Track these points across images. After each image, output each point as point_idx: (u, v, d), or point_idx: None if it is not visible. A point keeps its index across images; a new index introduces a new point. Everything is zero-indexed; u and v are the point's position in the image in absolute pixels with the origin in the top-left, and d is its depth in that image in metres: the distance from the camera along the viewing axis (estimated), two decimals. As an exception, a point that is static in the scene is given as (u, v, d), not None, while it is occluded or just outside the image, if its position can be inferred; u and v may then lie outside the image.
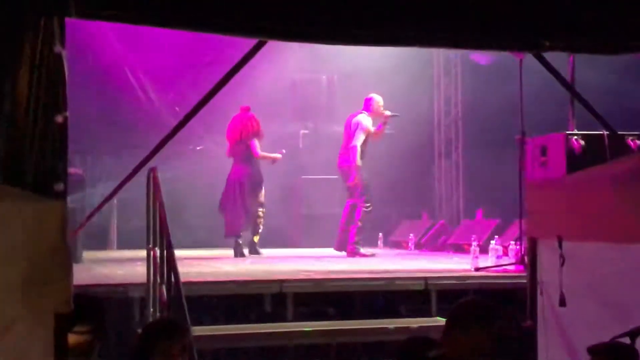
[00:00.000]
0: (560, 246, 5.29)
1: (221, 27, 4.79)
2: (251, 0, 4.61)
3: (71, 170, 4.88)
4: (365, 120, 10.89)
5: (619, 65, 9.76)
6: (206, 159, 13.92)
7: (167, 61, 13.99)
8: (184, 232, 12.19)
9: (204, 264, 9.70)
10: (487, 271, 8.30)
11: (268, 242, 11.62)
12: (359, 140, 10.77)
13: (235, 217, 11.11)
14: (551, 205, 5.50)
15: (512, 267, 8.35)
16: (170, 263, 6.21)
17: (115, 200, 10.53)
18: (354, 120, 10.93)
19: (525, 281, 6.32)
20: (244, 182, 11.10)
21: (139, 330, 5.87)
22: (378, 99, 11.07)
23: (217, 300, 7.28)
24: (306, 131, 14.47)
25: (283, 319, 7.20)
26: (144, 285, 6.71)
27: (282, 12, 4.69)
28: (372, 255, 10.93)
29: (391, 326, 7.00)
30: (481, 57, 12.97)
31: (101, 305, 4.69)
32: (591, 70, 9.21)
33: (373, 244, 12.72)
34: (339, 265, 9.46)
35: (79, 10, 4.07)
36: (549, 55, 5.76)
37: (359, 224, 10.83)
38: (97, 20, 4.42)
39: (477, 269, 8.39)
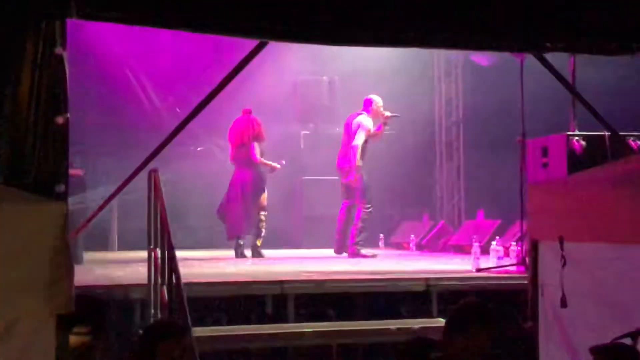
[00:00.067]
0: (561, 247, 5.28)
1: (222, 28, 4.81)
2: (252, 2, 4.62)
3: (72, 171, 4.87)
4: (366, 120, 10.89)
5: (619, 65, 9.75)
6: (207, 160, 13.93)
7: (168, 62, 13.99)
8: (185, 233, 12.23)
9: (205, 265, 9.70)
10: (488, 272, 8.29)
11: (269, 243, 11.61)
12: (360, 140, 10.77)
13: (237, 220, 11.12)
14: (552, 206, 5.49)
15: (513, 268, 8.34)
16: (172, 264, 6.21)
17: (116, 202, 10.52)
18: (355, 120, 10.93)
19: (526, 282, 6.31)
20: (246, 186, 11.09)
21: (140, 332, 5.88)
22: (377, 100, 11.07)
23: (218, 302, 7.27)
24: (307, 132, 14.48)
25: (284, 320, 7.20)
26: (145, 287, 6.71)
27: (283, 14, 4.69)
28: (373, 256, 10.92)
29: (392, 327, 7.00)
30: (482, 58, 12.96)
31: (101, 306, 4.70)
32: (592, 70, 9.21)
33: (374, 244, 12.72)
34: (340, 266, 9.46)
35: (80, 12, 4.09)
36: (549, 56, 5.76)
37: (360, 224, 10.83)
38: (98, 21, 4.43)
39: (478, 270, 8.38)
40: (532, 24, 5.12)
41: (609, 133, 7.80)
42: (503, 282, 7.76)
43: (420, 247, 13.09)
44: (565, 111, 8.68)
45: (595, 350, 4.15)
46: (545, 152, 8.46)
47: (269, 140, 11.52)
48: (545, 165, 8.41)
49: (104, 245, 13.36)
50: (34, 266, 3.36)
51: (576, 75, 8.17)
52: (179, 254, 6.34)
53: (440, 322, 6.81)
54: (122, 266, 9.45)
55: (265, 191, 11.24)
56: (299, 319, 7.24)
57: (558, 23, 5.16)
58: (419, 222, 14.11)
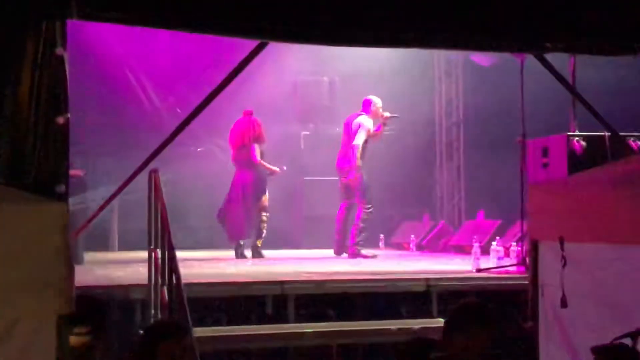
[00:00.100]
0: (561, 247, 5.28)
1: (222, 29, 4.81)
2: (252, 2, 4.62)
3: (72, 171, 4.88)
4: (367, 121, 10.91)
5: (619, 66, 9.75)
6: (207, 160, 13.93)
7: (168, 63, 13.99)
8: (186, 234, 12.22)
9: (205, 265, 9.70)
10: (489, 272, 8.29)
11: (269, 244, 11.61)
12: (361, 139, 10.78)
13: (239, 223, 11.12)
14: (553, 206, 5.49)
15: (513, 269, 8.34)
16: (172, 264, 6.21)
17: (116, 202, 10.52)
18: (355, 121, 10.94)
19: (526, 282, 6.31)
20: (247, 187, 11.10)
21: (141, 332, 5.89)
22: (377, 101, 11.08)
23: (218, 302, 7.27)
24: (307, 132, 14.48)
25: (284, 320, 7.20)
26: (146, 287, 6.72)
27: (283, 14, 4.69)
28: (374, 256, 10.93)
29: (393, 327, 7.00)
30: (482, 59, 12.96)
31: (101, 306, 4.71)
32: (592, 71, 9.21)
33: (374, 245, 12.72)
34: (340, 267, 9.46)
35: (80, 12, 4.09)
36: (549, 56, 5.76)
37: (360, 224, 10.83)
38: (98, 21, 4.43)
39: (478, 270, 8.39)
40: (533, 24, 5.12)
41: (609, 133, 7.80)
42: (503, 282, 7.77)
43: (420, 248, 13.09)
44: (565, 111, 8.69)
45: (596, 351, 4.15)
46: (545, 152, 8.46)
47: (270, 141, 11.52)
48: (545, 165, 8.42)
49: (105, 246, 13.36)
50: (35, 266, 3.36)
51: (576, 75, 8.18)
52: (179, 254, 6.34)
53: (441, 322, 6.79)
54: (123, 266, 9.45)
55: (267, 192, 11.24)
56: (299, 319, 7.25)
57: (558, 23, 5.16)
58: (419, 223, 14.11)
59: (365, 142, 10.87)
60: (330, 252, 11.29)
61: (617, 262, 5.15)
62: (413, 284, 7.67)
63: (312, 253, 12.01)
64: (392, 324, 7.11)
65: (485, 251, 9.25)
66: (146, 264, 6.81)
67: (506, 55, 9.11)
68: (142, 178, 6.48)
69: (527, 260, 7.02)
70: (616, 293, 5.18)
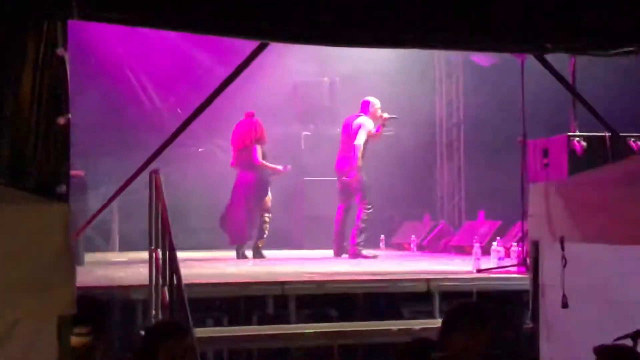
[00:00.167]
0: (562, 248, 5.28)
1: (223, 29, 4.81)
2: (253, 3, 4.62)
3: (73, 172, 4.88)
4: (367, 121, 10.92)
5: (620, 66, 9.75)
6: (208, 161, 13.93)
7: (169, 63, 14.00)
8: (186, 234, 12.22)
9: (206, 265, 9.71)
10: (489, 273, 8.29)
11: (270, 244, 11.62)
12: (362, 139, 10.79)
13: (241, 227, 11.13)
14: (553, 206, 5.49)
15: (514, 269, 8.34)
16: (173, 265, 6.22)
17: (117, 203, 10.52)
18: (356, 122, 10.95)
19: (527, 283, 6.32)
20: (250, 188, 11.12)
21: (142, 332, 5.89)
22: (375, 102, 11.10)
23: (219, 302, 7.28)
24: (308, 133, 14.48)
25: (285, 320, 7.20)
26: (147, 287, 6.72)
27: (283, 15, 4.70)
28: (374, 256, 10.94)
29: (394, 328, 7.01)
30: (483, 59, 12.96)
31: (101, 306, 4.70)
32: (592, 71, 9.21)
33: (375, 245, 12.72)
34: (341, 267, 9.46)
35: (81, 13, 4.09)
36: (550, 57, 5.76)
37: (361, 225, 10.84)
38: (99, 22, 4.43)
39: (479, 271, 8.39)
40: (533, 24, 5.13)
41: (610, 134, 7.81)
42: (504, 282, 7.77)
43: (421, 248, 13.09)
44: (565, 112, 8.68)
45: (598, 351, 4.15)
46: (546, 152, 8.46)
47: (270, 142, 11.53)
48: (546, 165, 8.41)
49: (105, 246, 13.38)
50: (36, 267, 3.36)
51: (576, 75, 8.17)
52: (180, 254, 6.35)
53: (441, 323, 6.82)
54: (124, 267, 9.46)
55: (269, 193, 11.25)
56: (300, 319, 7.25)
57: (558, 24, 5.16)
58: (420, 223, 14.11)
59: (366, 142, 10.88)
60: (331, 252, 11.29)
61: (618, 262, 5.15)
62: (414, 284, 7.68)
63: (313, 253, 12.01)
64: (393, 325, 7.11)
65: (485, 251, 9.25)
66: (147, 265, 6.82)
67: (506, 56, 9.12)
68: (143, 178, 6.49)
69: (528, 260, 7.02)
70: (617, 293, 5.18)
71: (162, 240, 6.54)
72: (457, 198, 14.95)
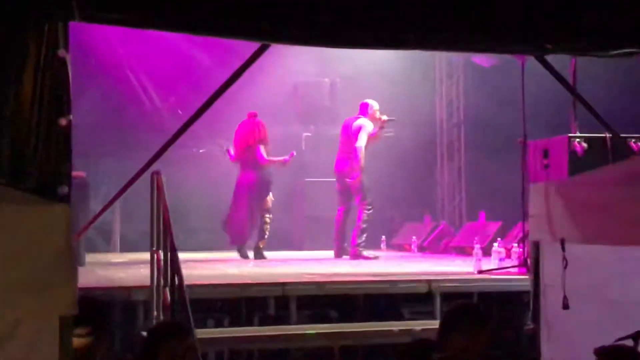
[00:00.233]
0: (563, 249, 5.29)
1: (223, 31, 4.81)
2: (254, 4, 4.62)
3: (74, 173, 4.88)
4: (367, 123, 10.93)
5: (620, 67, 9.76)
6: (209, 162, 13.94)
7: (170, 64, 14.01)
8: (188, 235, 12.22)
9: (207, 266, 9.71)
10: (490, 274, 8.29)
11: (271, 245, 11.63)
12: (364, 141, 10.80)
13: (242, 227, 11.15)
14: (554, 207, 5.49)
15: (514, 270, 8.34)
16: (174, 266, 6.22)
17: (118, 203, 10.54)
18: (355, 123, 10.96)
19: (527, 284, 6.32)
20: (252, 188, 11.14)
21: (144, 333, 5.89)
22: (374, 104, 11.12)
23: (220, 303, 7.28)
24: (308, 134, 14.49)
25: (286, 321, 7.21)
26: (148, 288, 6.72)
27: (284, 16, 4.70)
28: (375, 257, 10.94)
29: (394, 329, 7.00)
30: (483, 60, 12.98)
31: (102, 307, 4.70)
32: (593, 72, 9.22)
33: (375, 246, 12.73)
34: (341, 268, 9.47)
35: (82, 15, 4.10)
36: (550, 58, 5.76)
37: (362, 225, 10.85)
38: (101, 24, 4.44)
39: (480, 272, 8.39)
40: (533, 25, 5.13)
41: (610, 135, 7.81)
42: (505, 283, 7.77)
43: (421, 249, 13.10)
44: (566, 113, 8.69)
45: (599, 352, 4.15)
46: (546, 153, 8.46)
47: (271, 142, 11.53)
48: (546, 166, 8.42)
49: (106, 247, 13.39)
50: (37, 268, 3.36)
51: (577, 76, 8.18)
52: (181, 255, 6.35)
53: (443, 323, 6.82)
54: (125, 268, 9.47)
55: (271, 194, 11.26)
56: (301, 320, 7.25)
57: (559, 25, 5.16)
58: (421, 224, 14.12)
59: (366, 144, 10.89)
60: (331, 253, 11.30)
61: (618, 263, 5.15)
62: (415, 285, 7.68)
63: (314, 254, 12.02)
64: (394, 326, 7.11)
65: (486, 252, 9.25)
66: (148, 266, 6.82)
67: (507, 57, 9.13)
68: (145, 179, 6.49)
69: (529, 261, 7.02)
70: (618, 294, 5.18)
71: (164, 241, 6.54)
72: (458, 199, 14.96)
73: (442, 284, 7.65)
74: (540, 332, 5.87)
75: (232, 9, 4.61)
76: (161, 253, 6.56)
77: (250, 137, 11.16)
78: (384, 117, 11.13)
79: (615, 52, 5.36)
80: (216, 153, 13.62)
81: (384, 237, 13.61)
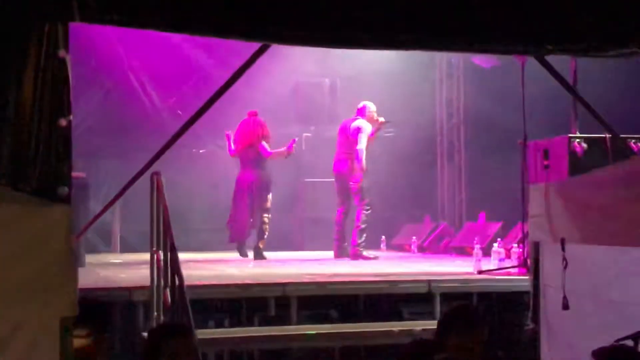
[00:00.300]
0: (563, 249, 5.29)
1: (224, 31, 4.81)
2: (255, 5, 4.62)
3: (74, 174, 4.89)
4: (366, 124, 10.93)
5: (621, 67, 9.77)
6: (210, 162, 13.94)
7: (170, 65, 14.01)
8: (188, 235, 12.22)
9: (207, 267, 9.71)
10: (490, 274, 8.30)
11: (271, 245, 11.63)
12: (364, 143, 10.81)
13: (242, 223, 11.16)
14: (554, 208, 5.50)
15: (514, 270, 8.34)
16: (174, 266, 6.22)
17: (118, 204, 10.54)
18: (354, 125, 10.96)
19: (527, 284, 6.32)
20: (254, 186, 11.15)
21: (144, 334, 5.89)
22: (371, 106, 11.13)
23: (220, 304, 7.29)
24: (309, 134, 14.49)
25: (287, 322, 7.21)
26: (148, 289, 6.72)
27: (284, 16, 4.70)
28: (375, 257, 10.95)
29: (395, 329, 7.01)
30: (483, 60, 12.98)
31: (102, 308, 4.70)
32: (593, 72, 9.22)
33: (376, 246, 12.73)
34: (342, 268, 9.47)
35: (82, 16, 4.09)
36: (551, 58, 5.77)
37: (361, 226, 10.85)
38: (101, 24, 4.43)
39: (480, 272, 8.39)
40: (533, 26, 5.13)
41: (610, 135, 7.82)
42: (505, 284, 7.77)
43: (421, 249, 13.10)
44: (566, 113, 8.70)
45: (597, 354, 4.15)
46: (546, 154, 8.46)
47: (271, 142, 11.54)
48: (546, 167, 8.42)
49: (107, 248, 13.39)
50: (37, 269, 3.36)
51: (577, 77, 8.18)
52: (182, 256, 6.35)
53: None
54: (125, 268, 9.48)
55: (271, 193, 11.27)
56: (302, 321, 7.25)
57: (559, 25, 5.16)
58: (421, 224, 14.12)
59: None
60: (331, 253, 11.30)
61: (618, 263, 5.16)
62: (415, 285, 7.68)
63: (314, 255, 12.02)
64: (394, 326, 7.11)
65: (486, 253, 9.25)
66: (148, 266, 6.82)
67: (507, 57, 9.12)
68: (145, 180, 6.49)
69: (529, 261, 7.03)
70: (617, 294, 5.19)
71: (164, 241, 6.55)
72: (458, 199, 14.95)
73: (442, 284, 7.66)
74: (540, 333, 5.88)
75: (232, 9, 4.61)
76: (161, 253, 6.56)
77: (251, 135, 11.19)
78: (381, 119, 11.15)
79: (615, 52, 5.36)
80: (217, 153, 13.63)
81: (384, 237, 13.61)
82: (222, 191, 11.97)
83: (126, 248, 13.15)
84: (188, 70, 14.12)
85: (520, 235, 9.03)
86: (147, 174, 6.43)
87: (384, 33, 4.95)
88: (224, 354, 6.80)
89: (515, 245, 9.09)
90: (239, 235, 11.23)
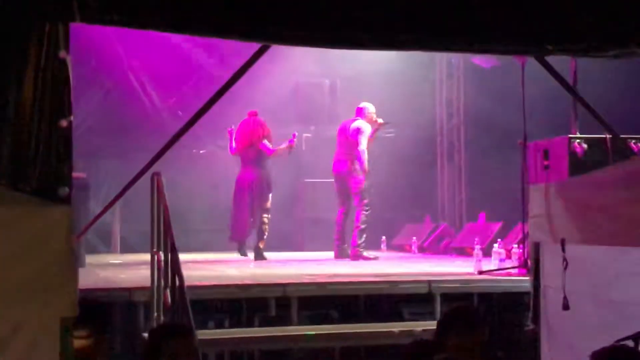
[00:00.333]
0: (563, 249, 5.29)
1: (224, 32, 4.81)
2: (255, 5, 4.62)
3: (74, 174, 4.89)
4: (365, 125, 10.93)
5: (621, 67, 9.76)
6: (210, 162, 13.94)
7: (171, 65, 14.01)
8: (188, 236, 12.22)
9: (208, 267, 9.71)
10: (490, 274, 8.30)
11: (271, 246, 11.63)
12: (365, 145, 10.82)
13: (242, 222, 11.17)
14: (554, 208, 5.50)
15: (515, 271, 8.34)
16: (175, 267, 6.22)
17: (118, 204, 10.55)
18: (353, 126, 10.96)
19: (528, 284, 6.32)
20: (254, 185, 11.16)
21: (145, 334, 5.89)
22: (370, 107, 11.13)
23: (221, 304, 7.29)
24: (309, 134, 14.49)
25: (287, 322, 7.21)
26: (148, 290, 6.72)
27: (284, 17, 4.70)
28: (376, 258, 10.95)
29: (395, 329, 7.01)
30: (483, 61, 12.98)
31: (102, 309, 4.70)
32: (593, 73, 9.22)
33: (376, 247, 12.73)
34: (342, 269, 9.47)
35: (83, 16, 4.09)
36: (551, 59, 5.77)
37: (361, 226, 10.85)
38: (102, 25, 4.43)
39: (480, 272, 8.39)
40: (533, 26, 5.12)
41: (610, 136, 7.82)
42: (505, 284, 7.77)
43: (422, 250, 13.10)
44: (566, 114, 8.70)
45: (595, 355, 4.15)
46: (546, 154, 8.47)
47: (271, 142, 11.55)
48: (546, 167, 8.43)
49: (107, 248, 13.39)
50: (38, 269, 3.36)
51: (577, 77, 8.19)
52: (182, 256, 6.35)
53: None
54: (125, 269, 9.48)
55: (271, 194, 11.28)
56: (302, 321, 7.25)
57: (559, 25, 5.16)
58: (421, 225, 14.12)
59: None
60: (332, 254, 11.31)
61: (618, 263, 5.16)
62: (415, 286, 7.68)
63: (314, 255, 12.02)
64: (395, 326, 7.11)
65: (486, 253, 9.26)
66: (148, 267, 6.82)
67: (507, 57, 9.12)
68: (145, 180, 6.49)
69: (529, 262, 7.03)
70: (618, 295, 5.19)
71: (164, 242, 6.55)
72: (458, 199, 14.95)
73: (442, 285, 7.66)
74: (540, 333, 5.88)
75: (232, 9, 4.61)
76: (161, 254, 6.56)
77: (252, 135, 11.20)
78: (380, 120, 11.15)
79: (615, 52, 5.35)
80: (217, 154, 13.63)
81: (384, 237, 13.61)
82: (222, 192, 11.97)
83: (126, 248, 13.15)
84: (188, 70, 14.13)
85: (520, 236, 9.03)
86: (148, 175, 6.43)
87: (384, 33, 4.95)
88: (225, 354, 6.81)
89: (516, 245, 9.09)
90: (240, 234, 11.25)
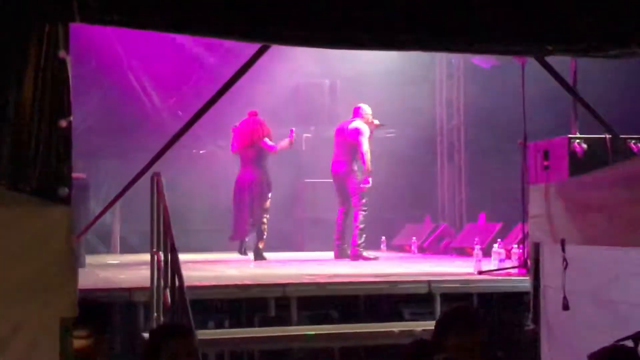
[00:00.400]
0: (563, 250, 5.29)
1: (224, 32, 4.81)
2: (255, 5, 4.62)
3: (74, 174, 4.88)
4: (364, 126, 10.93)
5: (621, 68, 9.76)
6: (210, 162, 13.94)
7: (171, 65, 14.02)
8: (188, 236, 12.22)
9: (207, 267, 9.71)
10: (490, 275, 8.30)
11: (271, 246, 11.63)
12: (366, 146, 10.82)
13: (242, 221, 11.18)
14: (554, 208, 5.50)
15: (515, 271, 8.35)
16: (174, 267, 6.22)
17: (118, 205, 10.55)
18: (351, 126, 10.96)
19: (528, 285, 6.32)
20: (253, 186, 11.17)
21: (145, 335, 5.89)
22: (367, 108, 11.14)
23: (220, 304, 7.29)
24: (309, 135, 14.49)
25: (287, 322, 7.21)
26: (148, 290, 6.72)
27: (284, 17, 4.70)
28: (375, 258, 10.95)
29: (395, 330, 7.01)
30: (483, 61, 12.98)
31: (102, 309, 4.70)
32: (593, 73, 9.22)
33: (376, 247, 12.73)
34: (342, 269, 9.47)
35: (83, 16, 4.09)
36: (551, 59, 5.77)
37: (360, 226, 10.85)
38: (102, 25, 4.43)
39: (480, 273, 8.39)
40: (533, 26, 5.13)
41: (610, 136, 7.82)
42: (505, 284, 7.77)
43: (422, 250, 13.10)
44: (566, 114, 8.70)
45: (595, 355, 4.14)
46: (546, 154, 8.46)
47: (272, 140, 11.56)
48: (546, 167, 8.42)
49: (107, 248, 13.39)
50: (38, 270, 3.36)
51: (577, 78, 8.19)
52: (182, 256, 6.35)
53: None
54: (125, 269, 9.47)
55: (270, 194, 11.28)
56: (301, 321, 7.25)
57: (559, 26, 5.16)
58: (421, 225, 14.12)
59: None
60: (331, 254, 11.31)
61: (618, 264, 5.15)
62: (415, 286, 7.68)
63: (314, 255, 12.02)
64: (394, 326, 7.11)
65: (486, 253, 9.25)
66: (148, 267, 6.82)
67: (507, 58, 9.13)
68: (145, 180, 6.49)
69: (529, 262, 7.02)
70: (618, 295, 5.18)
71: (164, 242, 6.55)
72: (458, 200, 14.95)
73: (442, 285, 7.66)
74: (540, 333, 5.87)
75: (232, 9, 4.61)
76: (161, 254, 6.56)
77: (252, 135, 11.21)
78: (376, 122, 11.16)
79: (615, 52, 5.36)
80: (217, 154, 13.63)
81: (384, 237, 13.61)
82: (222, 192, 11.96)
83: (126, 249, 13.15)
84: (188, 70, 14.13)
85: (520, 236, 9.03)
86: (148, 175, 6.43)
87: (384, 33, 4.96)
88: (225, 354, 6.80)
89: (516, 245, 9.09)
90: (240, 233, 11.25)
